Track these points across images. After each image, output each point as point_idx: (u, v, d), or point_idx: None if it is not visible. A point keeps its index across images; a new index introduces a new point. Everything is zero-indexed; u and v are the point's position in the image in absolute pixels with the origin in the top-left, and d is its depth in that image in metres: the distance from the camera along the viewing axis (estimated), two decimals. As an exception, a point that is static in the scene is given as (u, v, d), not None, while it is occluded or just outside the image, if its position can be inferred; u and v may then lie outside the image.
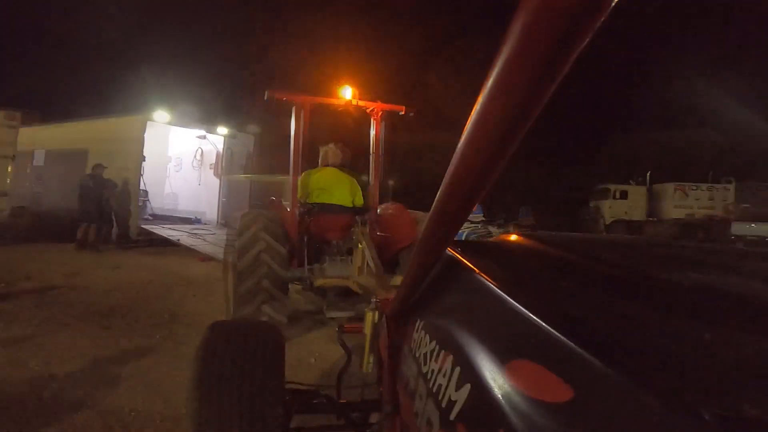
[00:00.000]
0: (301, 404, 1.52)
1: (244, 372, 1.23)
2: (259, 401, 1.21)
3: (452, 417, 0.65)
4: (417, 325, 1.02)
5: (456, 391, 0.67)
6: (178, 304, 5.20)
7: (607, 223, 20.65)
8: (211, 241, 9.30)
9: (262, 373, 1.26)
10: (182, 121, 10.82)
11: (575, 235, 2.46)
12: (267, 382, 1.25)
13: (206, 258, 8.20)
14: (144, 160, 10.68)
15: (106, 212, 9.29)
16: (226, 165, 11.58)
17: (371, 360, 1.43)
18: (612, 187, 21.09)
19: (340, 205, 4.29)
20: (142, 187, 12.28)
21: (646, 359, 0.47)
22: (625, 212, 20.79)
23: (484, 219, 11.38)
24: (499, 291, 0.75)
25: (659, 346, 0.52)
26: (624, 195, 20.92)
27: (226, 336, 1.34)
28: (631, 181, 21.69)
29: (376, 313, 1.43)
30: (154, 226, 9.90)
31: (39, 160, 12.62)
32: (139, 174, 10.29)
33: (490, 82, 0.42)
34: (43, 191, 12.27)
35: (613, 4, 0.32)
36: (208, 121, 11.46)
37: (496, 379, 0.58)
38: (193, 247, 8.50)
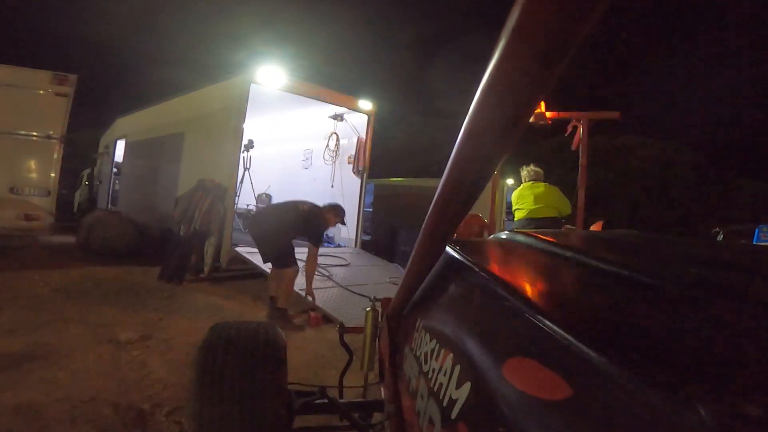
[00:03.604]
0: (303, 405, 1.47)
1: (246, 373, 1.21)
2: (261, 402, 1.18)
3: (453, 415, 0.65)
4: (417, 324, 1.02)
5: (457, 389, 0.67)
6: None
7: None
8: (337, 281, 5.11)
9: (264, 374, 1.23)
10: (306, 89, 6.52)
11: (574, 233, 2.74)
12: (269, 383, 1.23)
13: (320, 319, 4.00)
14: (252, 147, 7.06)
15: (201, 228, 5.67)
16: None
17: (371, 359, 1.46)
18: None
19: (542, 218, 4.57)
20: (264, 191, 8.93)
21: (644, 357, 0.46)
22: None
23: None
24: (498, 289, 0.74)
25: (658, 343, 0.51)
26: None
27: (227, 337, 1.31)
28: None
29: (377, 313, 1.49)
30: (253, 250, 5.79)
31: (118, 153, 10.07)
32: (235, 169, 6.09)
33: (484, 84, 0.42)
34: (124, 192, 9.78)
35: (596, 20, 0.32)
36: (344, 90, 7.39)
37: (496, 377, 0.58)
38: (301, 293, 4.39)
